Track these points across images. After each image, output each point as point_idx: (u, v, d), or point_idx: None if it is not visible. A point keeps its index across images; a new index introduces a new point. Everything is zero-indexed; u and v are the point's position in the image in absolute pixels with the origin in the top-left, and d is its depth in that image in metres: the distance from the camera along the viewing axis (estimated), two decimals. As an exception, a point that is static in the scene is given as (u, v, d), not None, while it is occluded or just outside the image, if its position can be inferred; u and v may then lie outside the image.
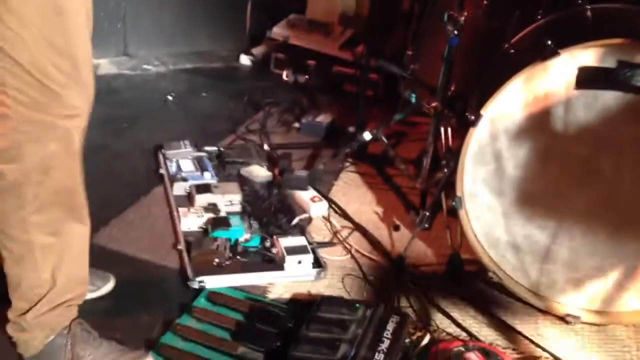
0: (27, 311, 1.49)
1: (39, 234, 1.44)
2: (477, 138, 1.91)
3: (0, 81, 1.31)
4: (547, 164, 1.86)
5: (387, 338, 1.62)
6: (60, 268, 1.49)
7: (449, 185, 2.11)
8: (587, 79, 1.74)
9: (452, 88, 2.33)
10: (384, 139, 2.62)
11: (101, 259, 2.02)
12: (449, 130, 2.43)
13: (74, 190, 1.48)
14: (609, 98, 1.75)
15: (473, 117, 1.86)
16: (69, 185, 1.46)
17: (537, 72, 1.78)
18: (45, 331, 1.53)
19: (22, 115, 1.34)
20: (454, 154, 2.08)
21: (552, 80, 1.78)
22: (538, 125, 1.83)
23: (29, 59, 1.30)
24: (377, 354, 1.56)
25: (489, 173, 1.93)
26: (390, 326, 1.67)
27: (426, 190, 2.43)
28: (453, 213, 2.13)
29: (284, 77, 3.63)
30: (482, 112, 1.85)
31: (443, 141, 2.42)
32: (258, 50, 3.97)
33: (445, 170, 2.17)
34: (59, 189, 1.44)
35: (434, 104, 2.31)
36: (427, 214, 2.19)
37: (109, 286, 1.88)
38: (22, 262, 1.46)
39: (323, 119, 3.12)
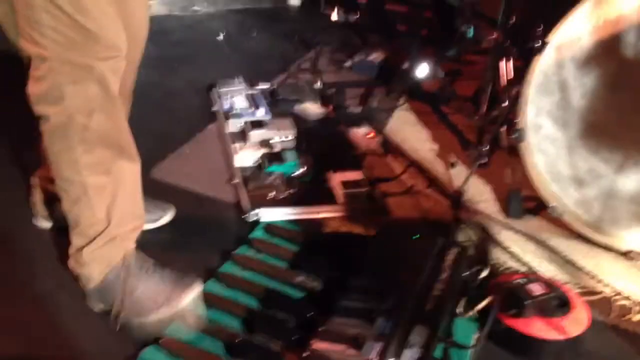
0: (84, 247, 1.54)
1: (90, 175, 1.47)
2: (542, 67, 1.84)
3: (36, 19, 1.30)
4: (615, 92, 1.78)
5: (446, 269, 1.60)
6: (115, 205, 1.52)
7: (509, 120, 2.05)
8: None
9: (513, 19, 2.24)
10: (441, 74, 2.55)
11: (158, 192, 2.05)
12: (510, 65, 2.34)
13: (119, 130, 1.49)
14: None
15: (539, 44, 1.78)
16: (114, 125, 1.47)
17: (607, -5, 1.69)
18: (101, 265, 1.56)
19: (58, 56, 1.33)
20: (516, 86, 2.01)
21: (624, 4, 1.68)
22: (607, 52, 1.75)
23: None
24: (436, 284, 1.54)
25: (554, 104, 1.87)
26: (449, 257, 1.64)
27: (483, 127, 2.37)
28: (512, 149, 2.07)
29: (335, 16, 3.56)
30: (548, 39, 1.77)
31: (502, 77, 2.34)
32: (307, -10, 3.91)
33: (506, 103, 2.10)
34: (105, 130, 1.44)
35: (493, 36, 2.23)
36: (486, 148, 2.13)
37: (168, 216, 1.91)
38: (79, 202, 1.49)
39: (375, 57, 3.06)
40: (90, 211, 1.50)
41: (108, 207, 1.51)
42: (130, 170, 1.55)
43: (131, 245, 1.60)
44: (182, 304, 1.51)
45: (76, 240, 1.55)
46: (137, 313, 1.52)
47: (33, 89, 1.39)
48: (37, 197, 1.84)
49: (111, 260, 1.56)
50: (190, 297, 1.52)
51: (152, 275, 1.58)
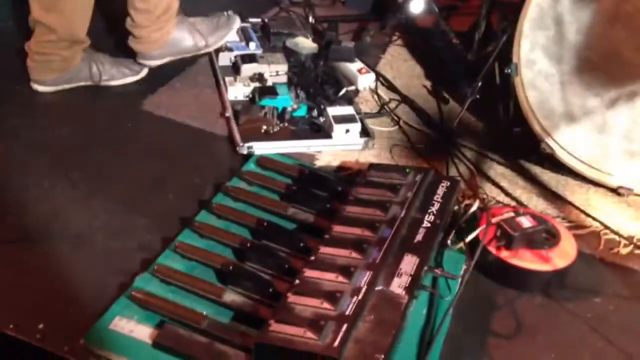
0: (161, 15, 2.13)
1: None
2: (538, 1, 1.81)
3: None
4: (611, 27, 1.77)
5: (437, 201, 1.61)
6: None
7: (503, 55, 2.03)
8: None
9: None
10: (435, 9, 2.51)
11: (150, 124, 2.05)
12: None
13: None
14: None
15: (535, -23, 1.76)
16: None
17: None
18: (169, 24, 2.19)
19: None
20: (511, 20, 1.98)
21: None
22: (605, -15, 1.73)
23: None
24: (427, 215, 1.56)
25: (549, 38, 1.85)
26: (440, 190, 1.65)
27: (477, 63, 2.34)
28: (506, 85, 2.06)
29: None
30: (546, -30, 1.74)
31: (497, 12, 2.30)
32: None
33: (501, 37, 2.07)
34: None
35: (490, -31, 2.19)
36: (479, 84, 2.12)
37: (144, 72, 2.27)
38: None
39: (370, -9, 3.00)
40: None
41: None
42: None
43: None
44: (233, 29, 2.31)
45: (139, 16, 2.11)
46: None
47: None
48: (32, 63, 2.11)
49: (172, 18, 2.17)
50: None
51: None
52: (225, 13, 2.35)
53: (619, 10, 1.74)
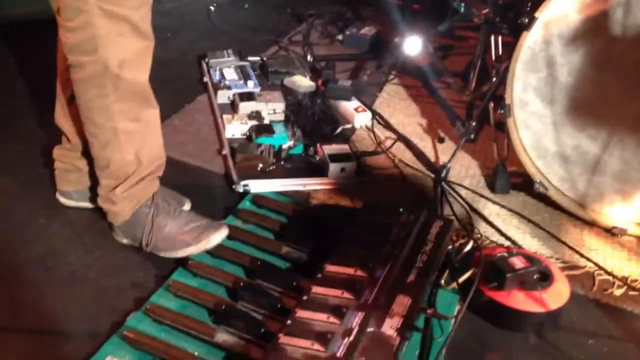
0: (116, 187, 1.64)
1: (121, 121, 1.56)
2: (530, 43, 1.84)
3: None
4: (602, 70, 1.79)
5: (430, 241, 1.62)
6: (144, 149, 1.63)
7: (497, 95, 2.06)
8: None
9: (504, -5, 2.24)
10: (431, 49, 2.55)
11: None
12: (499, 41, 2.34)
13: (146, 78, 1.59)
14: (674, -1, 1.66)
15: (526, 21, 1.79)
16: (143, 74, 1.57)
17: (597, -29, 1.70)
18: (132, 202, 1.68)
19: (96, 7, 1.40)
20: (504, 62, 2.02)
21: (613, -19, 1.69)
22: (595, 29, 1.76)
23: None
24: (419, 255, 1.56)
25: (541, 80, 1.88)
26: (434, 230, 1.66)
27: (473, 103, 2.38)
28: (500, 126, 2.09)
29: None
30: (537, 14, 1.78)
31: (492, 53, 2.34)
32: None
33: (494, 79, 2.10)
34: (135, 79, 1.54)
35: (484, 11, 2.23)
36: (473, 123, 2.14)
37: (185, 208, 1.88)
38: (108, 146, 1.59)
39: (367, 31, 3.05)
40: (120, 154, 1.60)
41: (137, 151, 1.62)
42: (155, 116, 1.67)
43: (157, 183, 1.74)
44: (211, 244, 1.65)
45: (106, 181, 1.66)
46: (165, 248, 1.67)
47: (68, 38, 1.47)
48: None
49: (141, 198, 1.68)
50: (219, 238, 1.67)
51: (180, 216, 1.71)
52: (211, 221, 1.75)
53: (609, 53, 1.77)
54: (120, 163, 1.61)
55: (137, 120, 1.59)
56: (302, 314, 1.37)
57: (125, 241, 1.73)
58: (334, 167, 2.03)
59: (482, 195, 2.06)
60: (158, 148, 1.70)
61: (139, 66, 1.54)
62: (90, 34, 1.43)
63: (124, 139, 1.58)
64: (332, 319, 1.35)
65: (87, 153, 1.75)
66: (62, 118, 1.78)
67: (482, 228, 1.92)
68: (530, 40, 1.83)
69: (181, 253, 1.65)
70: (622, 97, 1.80)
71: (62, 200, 1.88)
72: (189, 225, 1.67)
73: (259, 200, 1.89)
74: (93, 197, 1.80)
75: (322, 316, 1.35)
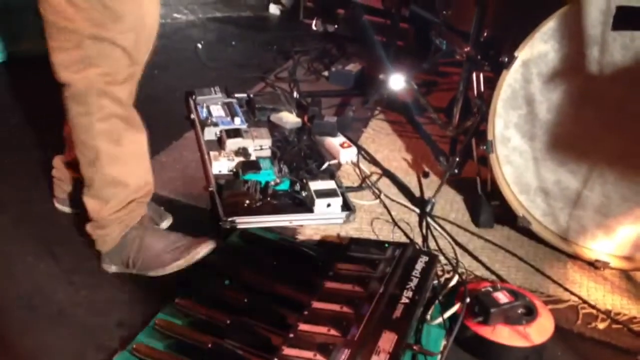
0: (102, 209, 1.68)
1: (104, 141, 1.61)
2: (510, 81, 1.89)
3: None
4: (580, 107, 1.84)
5: (416, 277, 1.64)
6: (129, 172, 1.68)
7: (481, 131, 2.10)
8: (625, 19, 1.71)
9: (485, 33, 2.30)
10: (414, 86, 2.60)
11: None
12: (481, 78, 2.40)
13: (131, 102, 1.64)
14: (647, 39, 1.71)
15: (506, 59, 1.84)
16: (128, 96, 1.62)
17: (572, 13, 1.75)
18: (121, 226, 1.72)
19: (87, 31, 1.46)
20: (486, 99, 2.07)
21: (588, 22, 1.74)
22: (572, 68, 1.81)
23: None
24: (405, 291, 1.58)
25: (521, 117, 1.92)
26: (419, 266, 1.68)
27: (456, 138, 2.42)
28: (483, 161, 2.13)
29: (313, 26, 3.60)
30: (516, 53, 1.82)
31: (475, 89, 2.40)
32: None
33: (477, 115, 2.15)
34: (121, 100, 1.59)
35: (466, 49, 2.29)
36: (457, 159, 2.18)
37: (165, 224, 1.97)
38: (93, 165, 1.63)
39: (352, 67, 3.11)
40: (101, 175, 1.64)
41: (122, 174, 1.66)
42: (140, 140, 1.70)
43: (145, 208, 1.79)
44: (199, 256, 1.72)
45: (91, 203, 1.69)
46: (154, 267, 1.72)
47: (58, 58, 1.52)
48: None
49: (130, 222, 1.73)
50: (206, 251, 1.74)
51: (168, 236, 1.78)
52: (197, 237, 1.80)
53: (587, 90, 1.82)
54: (103, 183, 1.65)
55: (120, 143, 1.63)
56: (288, 351, 1.38)
57: (113, 268, 1.76)
58: (319, 203, 2.05)
59: (466, 230, 2.09)
60: (145, 173, 1.75)
61: (124, 89, 1.59)
62: (78, 55, 1.49)
63: (106, 159, 1.62)
64: (319, 357, 1.35)
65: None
66: (67, 131, 1.84)
67: (467, 262, 1.94)
68: (511, 79, 1.88)
69: (169, 269, 1.71)
70: (601, 132, 1.84)
71: (58, 206, 1.98)
72: (176, 243, 1.74)
73: (246, 236, 1.90)
74: None
75: (309, 354, 1.36)
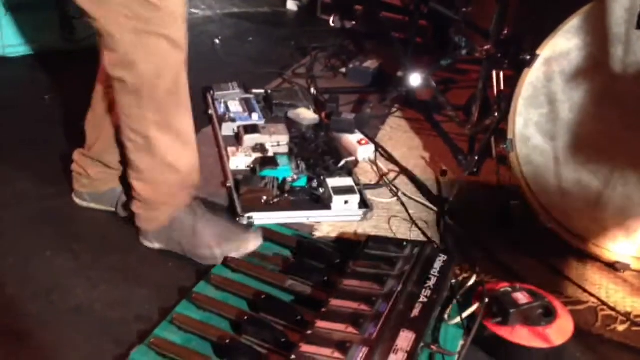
0: (152, 192, 1.74)
1: (157, 131, 1.65)
2: (532, 80, 1.87)
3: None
4: (603, 106, 1.82)
5: (434, 276, 1.63)
6: (180, 158, 1.72)
7: (500, 130, 2.08)
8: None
9: (506, 31, 2.27)
10: (433, 83, 2.58)
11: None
12: (501, 76, 2.37)
13: (184, 89, 1.67)
14: (673, 38, 1.69)
15: (528, 58, 1.82)
16: (180, 86, 1.65)
17: (596, 10, 1.72)
18: (171, 209, 1.77)
19: (128, 27, 1.51)
20: (506, 97, 2.05)
21: (612, 20, 1.72)
22: (596, 67, 1.79)
23: None
24: (423, 290, 1.57)
25: (542, 116, 1.90)
26: (437, 264, 1.67)
27: (475, 137, 2.39)
28: (502, 160, 2.11)
29: (331, 22, 3.59)
30: (538, 52, 1.81)
31: (494, 87, 2.37)
32: (305, -5, 3.94)
33: (497, 114, 2.13)
34: (171, 91, 1.62)
35: (486, 47, 2.27)
36: (476, 158, 2.16)
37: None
38: (143, 151, 1.68)
39: (370, 64, 3.09)
40: (154, 161, 1.69)
41: (174, 160, 1.70)
42: (190, 126, 1.73)
43: (194, 192, 1.83)
44: (247, 252, 1.78)
45: (140, 186, 1.74)
46: (203, 256, 1.77)
47: (108, 58, 1.58)
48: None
49: (180, 204, 1.78)
50: (254, 248, 1.79)
51: (218, 222, 1.83)
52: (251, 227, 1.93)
53: (610, 90, 1.79)
54: (155, 168, 1.70)
55: (170, 129, 1.66)
56: (306, 348, 1.37)
57: (157, 245, 1.82)
58: (337, 200, 2.04)
59: (485, 229, 2.07)
60: (194, 158, 1.78)
61: (176, 77, 1.62)
62: (125, 51, 1.54)
63: (161, 147, 1.66)
64: (337, 354, 1.34)
65: (102, 162, 1.92)
66: (89, 125, 1.90)
67: (486, 262, 1.92)
68: (532, 77, 1.86)
69: (220, 259, 1.75)
70: (624, 133, 1.82)
71: (77, 200, 2.01)
72: (227, 232, 1.79)
73: (263, 232, 1.90)
74: (105, 201, 1.97)
75: (327, 351, 1.35)
